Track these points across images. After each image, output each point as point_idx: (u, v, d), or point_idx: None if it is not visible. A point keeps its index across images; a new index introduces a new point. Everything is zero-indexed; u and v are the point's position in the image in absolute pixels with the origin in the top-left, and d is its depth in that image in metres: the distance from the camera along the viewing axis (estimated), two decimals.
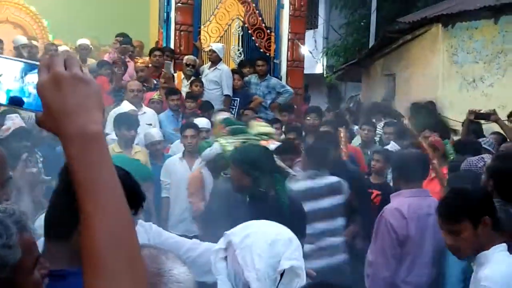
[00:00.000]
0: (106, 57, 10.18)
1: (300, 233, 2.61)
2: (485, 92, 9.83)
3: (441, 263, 4.17)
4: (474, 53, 10.15)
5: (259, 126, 5.61)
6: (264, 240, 2.16)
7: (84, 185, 1.09)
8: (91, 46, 10.99)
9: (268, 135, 5.44)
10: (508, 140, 6.66)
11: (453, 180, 4.52)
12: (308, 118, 8.19)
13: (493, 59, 9.87)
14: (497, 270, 2.88)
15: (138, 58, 10.25)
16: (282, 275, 2.13)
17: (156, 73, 9.64)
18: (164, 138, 7.24)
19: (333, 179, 5.19)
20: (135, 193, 2.01)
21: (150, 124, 7.82)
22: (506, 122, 7.75)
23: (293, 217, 3.84)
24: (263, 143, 5.07)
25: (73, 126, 1.10)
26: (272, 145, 5.21)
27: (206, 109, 8.43)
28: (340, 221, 5.16)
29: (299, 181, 5.06)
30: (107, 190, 1.10)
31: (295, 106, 9.96)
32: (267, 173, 4.02)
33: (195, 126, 6.74)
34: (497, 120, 6.87)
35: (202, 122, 7.19)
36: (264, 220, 2.34)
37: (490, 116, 6.81)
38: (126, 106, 7.66)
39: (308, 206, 4.69)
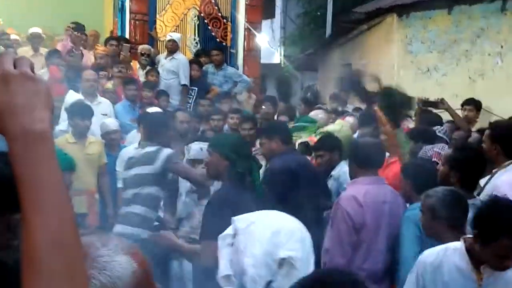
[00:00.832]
0: (59, 46, 9.98)
1: None
2: (439, 81, 9.97)
3: (395, 250, 4.21)
4: (428, 43, 10.28)
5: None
6: (267, 228, 2.15)
7: (25, 184, 1.06)
8: (43, 35, 10.76)
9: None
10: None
11: (406, 168, 4.57)
12: (263, 107, 8.20)
13: (447, 49, 10.01)
14: None
15: (99, 45, 10.09)
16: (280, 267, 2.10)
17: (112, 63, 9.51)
18: (121, 129, 7.15)
19: (152, 148, 5.29)
20: None
21: (106, 114, 7.73)
22: (460, 111, 7.92)
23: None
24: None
25: (17, 125, 1.08)
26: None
27: (162, 98, 8.36)
28: (146, 190, 5.23)
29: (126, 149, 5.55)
30: (48, 190, 1.07)
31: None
32: (244, 158, 4.06)
33: None
34: (447, 109, 6.99)
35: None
36: (274, 211, 2.33)
37: (437, 104, 6.94)
38: (72, 96, 7.54)
39: (123, 174, 5.53)
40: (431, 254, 3.32)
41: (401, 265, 4.04)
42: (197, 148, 5.66)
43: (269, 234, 2.13)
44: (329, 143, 5.90)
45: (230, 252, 2.21)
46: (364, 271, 4.23)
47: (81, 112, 6.41)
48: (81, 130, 6.39)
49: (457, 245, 3.19)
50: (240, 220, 2.22)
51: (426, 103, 6.98)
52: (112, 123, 6.97)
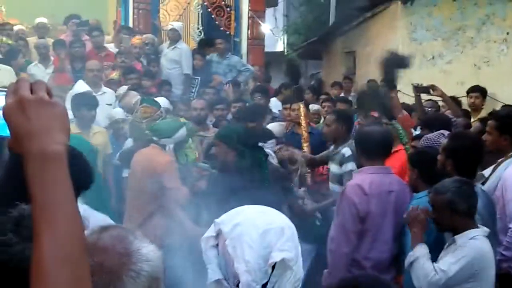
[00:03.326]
0: (63, 37, 9.96)
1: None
2: (444, 69, 9.93)
3: (401, 240, 4.20)
4: (433, 30, 10.23)
5: None
6: (255, 230, 2.10)
7: (38, 203, 1.14)
8: (49, 25, 10.71)
9: None
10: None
11: (413, 156, 4.55)
12: (254, 98, 8.18)
13: (452, 36, 9.97)
14: None
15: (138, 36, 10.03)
16: (273, 267, 2.07)
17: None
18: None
19: None
20: (84, 173, 2.01)
21: (110, 105, 7.70)
22: (466, 98, 7.89)
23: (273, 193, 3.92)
24: None
25: (34, 146, 1.15)
26: None
27: (165, 87, 8.36)
28: None
29: None
30: (60, 210, 1.14)
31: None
32: (251, 149, 4.06)
33: None
34: (440, 95, 6.96)
35: (161, 101, 7.11)
36: (256, 206, 2.29)
37: (429, 89, 6.91)
38: (81, 87, 7.52)
39: None
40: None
41: (407, 255, 4.03)
42: None
43: (258, 236, 2.08)
44: None
45: (216, 255, 2.18)
46: (370, 260, 4.23)
47: (86, 103, 6.39)
48: (86, 120, 6.37)
49: None
50: (224, 223, 2.17)
51: (419, 88, 6.95)
52: (119, 113, 6.95)
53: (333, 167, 5.64)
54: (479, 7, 9.58)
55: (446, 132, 4.89)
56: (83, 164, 2.09)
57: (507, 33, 9.24)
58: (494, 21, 9.40)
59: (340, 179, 5.53)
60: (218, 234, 2.17)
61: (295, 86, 7.23)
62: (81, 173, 2.05)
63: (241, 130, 4.30)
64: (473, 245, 3.38)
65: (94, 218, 2.84)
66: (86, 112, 6.31)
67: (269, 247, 2.05)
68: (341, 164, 5.54)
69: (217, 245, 2.17)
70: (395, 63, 6.00)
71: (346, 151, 5.51)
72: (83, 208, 2.83)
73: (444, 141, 4.51)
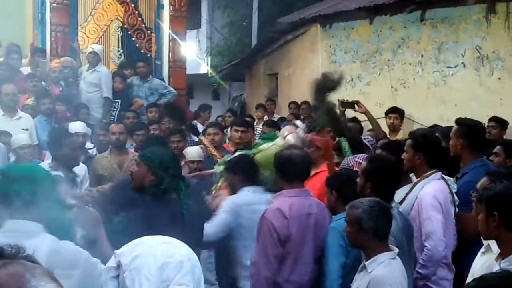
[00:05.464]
0: None
1: (196, 241, 2.52)
2: (362, 90, 10.15)
3: (321, 261, 4.21)
4: (351, 52, 10.46)
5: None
6: (153, 262, 2.05)
7: None
8: None
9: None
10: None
11: (331, 179, 4.60)
12: (163, 123, 8.12)
13: (369, 58, 10.21)
14: None
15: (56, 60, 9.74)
16: None
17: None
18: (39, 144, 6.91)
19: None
20: None
21: (27, 129, 7.44)
22: (385, 119, 8.08)
23: (191, 226, 3.84)
24: None
25: None
26: None
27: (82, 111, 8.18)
28: None
29: None
30: None
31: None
32: (172, 176, 3.99)
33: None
34: (364, 112, 7.12)
35: (76, 126, 6.93)
36: (159, 236, 2.22)
37: (354, 104, 7.06)
38: None
39: None
40: None
41: (327, 276, 4.05)
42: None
43: (156, 269, 2.04)
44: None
45: (116, 286, 2.12)
46: (292, 283, 4.24)
47: None
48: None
49: None
50: (124, 255, 2.12)
51: (344, 103, 7.10)
52: (23, 138, 6.63)
53: None
54: (394, 30, 9.86)
55: (361, 155, 5.00)
56: None
57: (422, 56, 9.53)
58: (409, 44, 9.69)
59: None
60: (118, 265, 2.12)
61: (186, 124, 7.22)
62: None
63: (165, 156, 4.22)
64: (377, 274, 3.39)
65: (67, 250, 2.67)
66: None
67: (167, 281, 2.02)
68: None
69: (118, 276, 2.12)
70: (326, 85, 6.11)
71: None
72: (51, 239, 2.71)
73: (355, 163, 4.60)
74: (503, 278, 2.12)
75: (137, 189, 4.14)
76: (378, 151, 5.38)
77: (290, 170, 4.38)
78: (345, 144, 5.70)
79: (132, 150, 6.90)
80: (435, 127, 7.04)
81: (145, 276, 2.02)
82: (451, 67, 9.18)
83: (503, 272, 2.49)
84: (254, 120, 10.81)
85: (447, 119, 7.43)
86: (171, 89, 10.39)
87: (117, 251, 2.14)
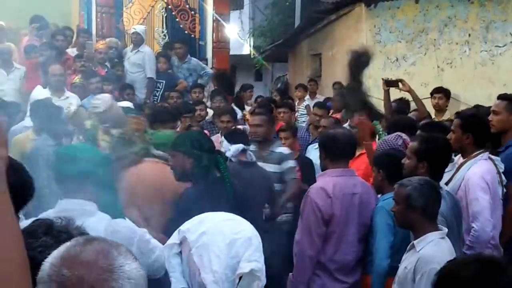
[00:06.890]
0: (25, 41, 9.76)
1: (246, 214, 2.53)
2: (407, 70, 9.99)
3: (368, 241, 4.20)
4: (396, 32, 10.29)
5: None
6: (222, 239, 2.04)
7: None
8: (7, 28, 10.46)
9: None
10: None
11: (378, 158, 4.56)
12: (214, 101, 8.14)
13: (415, 38, 10.04)
14: None
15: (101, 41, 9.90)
16: (240, 277, 2.02)
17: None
18: None
19: None
20: (24, 186, 2.00)
21: None
22: (430, 99, 7.95)
23: (238, 200, 3.86)
24: None
25: None
26: None
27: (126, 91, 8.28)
28: None
29: None
30: None
31: None
32: (207, 151, 4.01)
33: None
34: (408, 91, 7.02)
35: (125, 105, 6.99)
36: (222, 213, 2.22)
37: (397, 83, 6.98)
38: (39, 92, 7.37)
39: None
40: None
41: (375, 255, 4.04)
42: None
43: (225, 246, 2.02)
44: None
45: (179, 263, 2.11)
46: (335, 262, 4.23)
47: (44, 111, 6.16)
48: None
49: None
50: (190, 231, 2.11)
51: (388, 82, 7.02)
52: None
53: (269, 167, 5.65)
54: (441, 9, 9.67)
55: (403, 135, 4.93)
56: (22, 177, 2.03)
57: (469, 35, 9.34)
58: (456, 23, 9.50)
59: (280, 177, 5.67)
60: (182, 242, 2.10)
61: (234, 96, 7.25)
62: (21, 186, 2.01)
63: (194, 136, 4.22)
64: (425, 253, 3.35)
65: (124, 228, 2.64)
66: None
67: (237, 257, 2.00)
68: (279, 162, 5.67)
69: (181, 252, 2.11)
70: (358, 61, 6.08)
71: (284, 149, 5.79)
72: (107, 218, 2.71)
73: (401, 142, 4.56)
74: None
75: (181, 179, 4.12)
76: (418, 131, 5.29)
77: (334, 149, 4.35)
78: (378, 127, 5.68)
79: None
80: (477, 107, 6.91)
81: (214, 253, 2.01)
82: (499, 46, 8.97)
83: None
84: (293, 100, 10.79)
85: (496, 99, 7.28)
86: (208, 69, 10.42)
87: (181, 228, 2.14)
